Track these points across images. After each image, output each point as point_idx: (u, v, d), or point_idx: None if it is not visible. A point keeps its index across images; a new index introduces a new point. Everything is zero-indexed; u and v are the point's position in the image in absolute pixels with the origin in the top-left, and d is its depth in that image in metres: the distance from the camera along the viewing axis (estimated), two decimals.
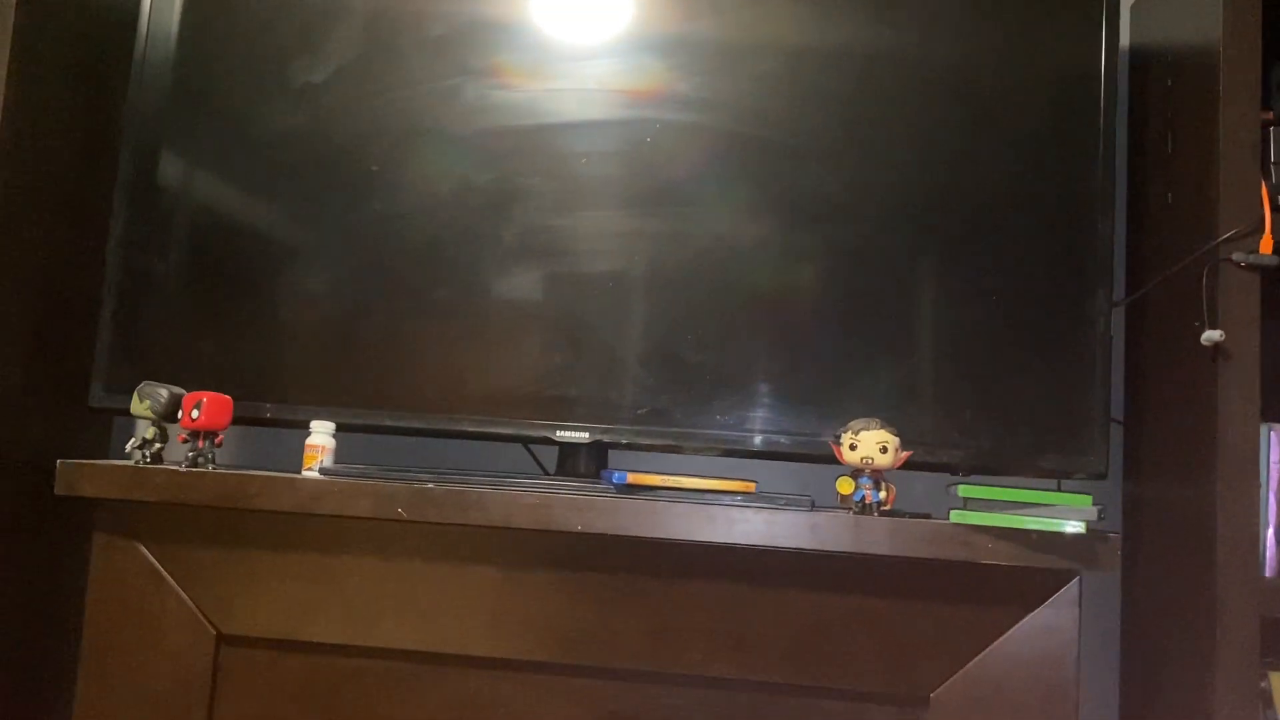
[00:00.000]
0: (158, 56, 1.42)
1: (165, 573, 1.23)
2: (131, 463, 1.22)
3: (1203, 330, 1.13)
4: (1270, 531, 1.15)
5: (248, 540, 1.22)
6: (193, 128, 1.40)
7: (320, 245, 1.37)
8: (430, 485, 1.16)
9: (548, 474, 1.39)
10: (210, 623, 1.22)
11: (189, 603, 1.22)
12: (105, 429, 1.58)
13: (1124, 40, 1.47)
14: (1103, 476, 1.24)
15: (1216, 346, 1.12)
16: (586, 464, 1.34)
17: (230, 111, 1.40)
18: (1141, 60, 1.44)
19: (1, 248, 1.33)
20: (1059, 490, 1.15)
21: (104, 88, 1.51)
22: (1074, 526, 1.07)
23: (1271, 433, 1.16)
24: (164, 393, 1.23)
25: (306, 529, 1.21)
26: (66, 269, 1.46)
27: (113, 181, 1.41)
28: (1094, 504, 1.09)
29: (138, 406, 1.24)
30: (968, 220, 1.30)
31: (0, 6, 1.33)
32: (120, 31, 1.53)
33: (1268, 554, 1.15)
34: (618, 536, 1.13)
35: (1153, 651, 1.29)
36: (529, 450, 1.49)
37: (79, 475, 1.20)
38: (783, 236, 1.31)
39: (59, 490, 1.20)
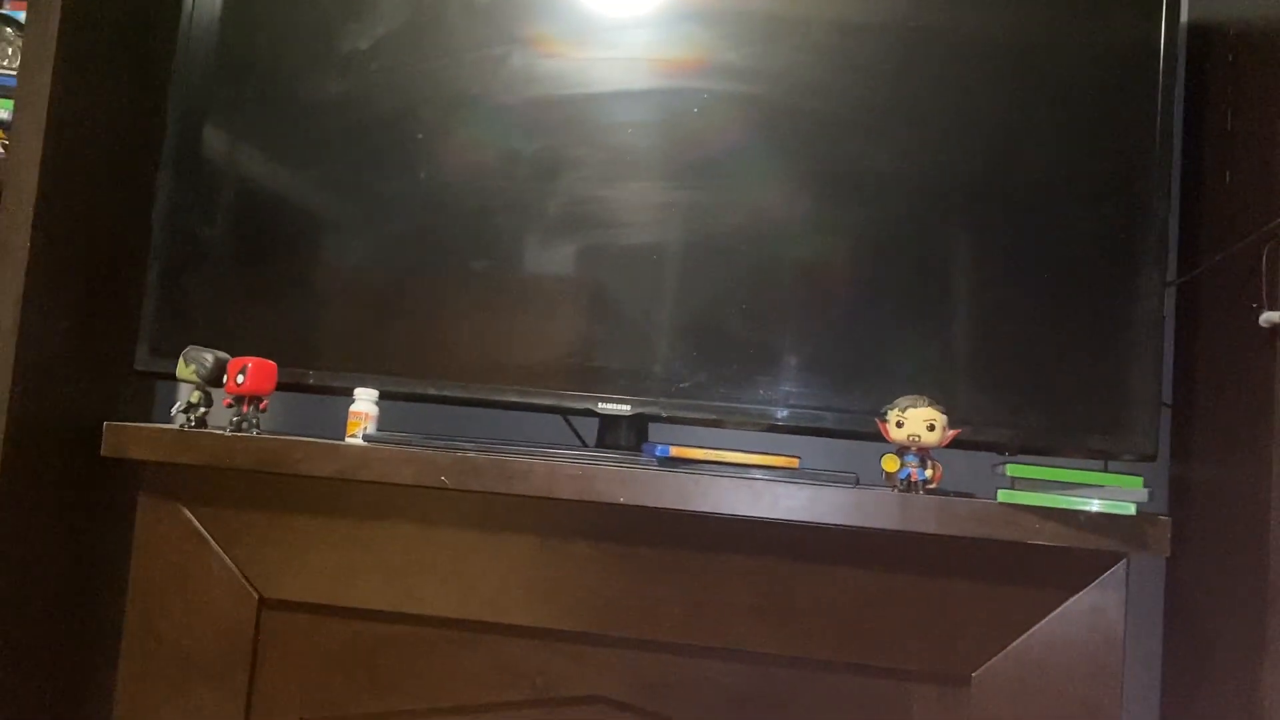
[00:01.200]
0: (204, 22, 1.41)
1: (209, 536, 1.24)
2: (177, 426, 1.23)
3: (1260, 312, 1.11)
4: None
5: (291, 505, 1.22)
6: (239, 94, 1.40)
7: (365, 213, 1.36)
8: (473, 454, 1.16)
9: (587, 446, 1.39)
10: (253, 586, 1.23)
11: (232, 566, 1.23)
12: (147, 393, 1.59)
13: (1184, 15, 1.44)
14: (1152, 458, 1.23)
15: (1275, 329, 1.10)
16: (626, 437, 1.34)
17: (276, 78, 1.40)
18: (1201, 35, 1.40)
19: (49, 212, 1.34)
20: (1106, 471, 1.13)
21: (151, 54, 1.51)
22: (1125, 508, 1.06)
23: None
24: (209, 357, 1.24)
25: (349, 495, 1.22)
26: (113, 234, 1.46)
27: (160, 147, 1.42)
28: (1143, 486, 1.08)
29: (183, 370, 1.24)
30: (1019, 196, 1.27)
31: None
32: None
33: None
34: (660, 509, 1.13)
35: (1198, 635, 1.27)
36: (568, 422, 1.49)
37: (125, 437, 1.21)
38: (831, 210, 1.29)
39: (105, 452, 1.21)
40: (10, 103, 1.33)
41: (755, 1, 1.33)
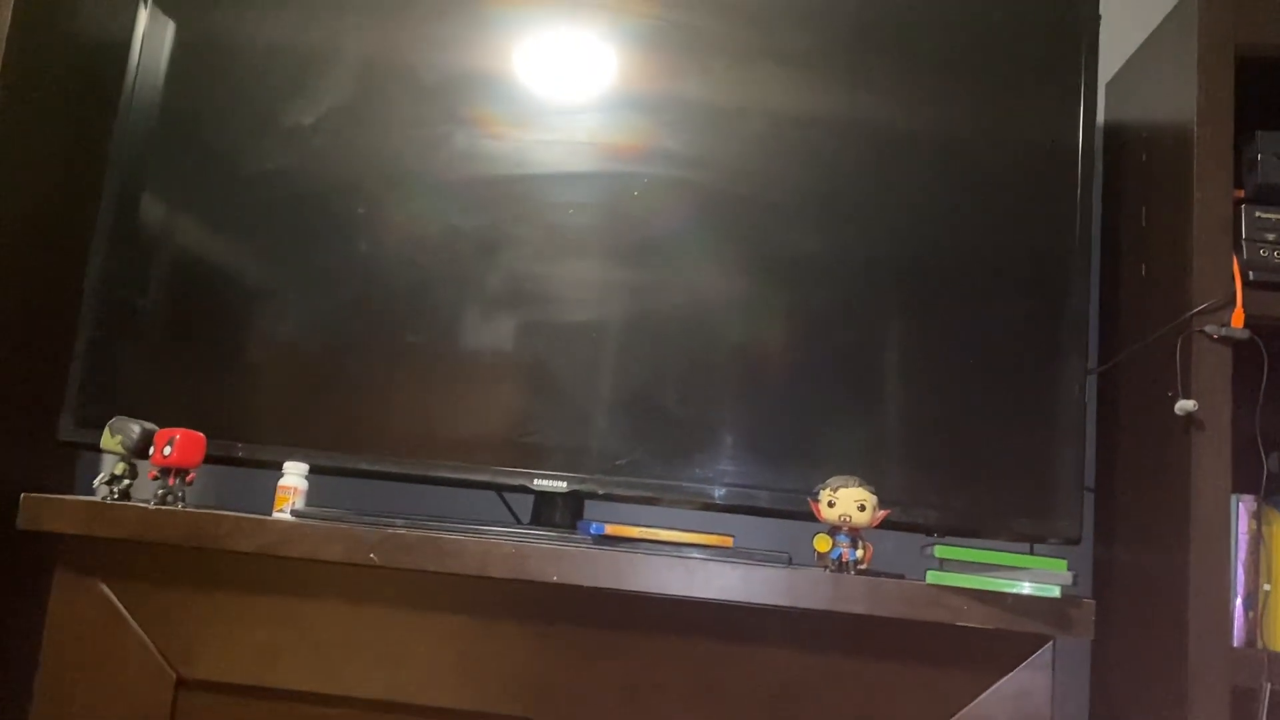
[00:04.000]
0: (146, 92, 1.42)
1: (126, 613, 1.20)
2: (98, 499, 1.20)
3: (1176, 400, 1.15)
4: (1239, 601, 1.16)
5: (215, 581, 1.19)
6: (179, 164, 1.40)
7: (302, 287, 1.36)
8: (404, 531, 1.14)
9: (522, 523, 1.38)
10: (170, 665, 1.19)
11: (149, 644, 1.19)
12: (71, 464, 1.55)
13: (1100, 116, 1.51)
14: (1076, 542, 1.25)
15: (1189, 417, 1.14)
16: (562, 514, 1.33)
17: (217, 150, 1.40)
18: (1117, 136, 1.48)
19: None
20: (1031, 554, 1.15)
21: (91, 121, 1.51)
22: (1050, 591, 1.08)
23: (1240, 503, 1.17)
24: (136, 428, 1.21)
25: (276, 572, 1.19)
26: (43, 300, 1.44)
27: (95, 214, 1.40)
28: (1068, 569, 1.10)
29: (109, 441, 1.22)
30: (948, 286, 1.32)
31: None
32: (110, 66, 1.53)
33: (1237, 623, 1.16)
34: (594, 588, 1.12)
35: (1122, 714, 1.29)
36: (503, 499, 1.48)
37: (42, 510, 1.18)
38: (765, 294, 1.32)
39: (21, 524, 1.17)
40: None
41: (694, 92, 1.37)
